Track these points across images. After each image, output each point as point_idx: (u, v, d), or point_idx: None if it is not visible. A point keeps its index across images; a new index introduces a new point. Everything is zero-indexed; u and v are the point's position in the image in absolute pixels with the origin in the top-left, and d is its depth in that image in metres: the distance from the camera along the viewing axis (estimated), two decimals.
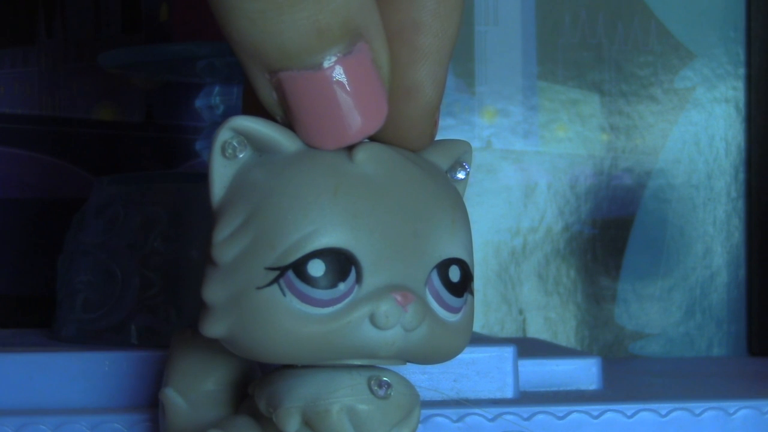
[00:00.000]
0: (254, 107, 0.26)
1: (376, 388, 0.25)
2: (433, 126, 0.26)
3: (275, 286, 0.24)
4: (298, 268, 0.24)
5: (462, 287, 0.25)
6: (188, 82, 0.47)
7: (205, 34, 0.41)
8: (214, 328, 0.25)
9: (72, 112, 0.53)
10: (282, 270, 0.24)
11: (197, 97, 0.42)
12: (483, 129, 0.55)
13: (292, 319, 0.24)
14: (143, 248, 0.38)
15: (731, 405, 0.36)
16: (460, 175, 0.27)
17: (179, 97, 0.53)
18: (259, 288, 0.24)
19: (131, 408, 0.34)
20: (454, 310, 0.25)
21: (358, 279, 0.24)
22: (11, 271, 0.52)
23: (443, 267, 0.25)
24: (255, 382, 0.27)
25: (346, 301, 0.24)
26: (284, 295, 0.24)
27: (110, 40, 0.53)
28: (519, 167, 0.55)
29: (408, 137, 0.26)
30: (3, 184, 0.52)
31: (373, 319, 0.24)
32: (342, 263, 0.24)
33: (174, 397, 0.29)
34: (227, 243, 0.24)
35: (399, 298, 0.24)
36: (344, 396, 0.25)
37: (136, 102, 0.53)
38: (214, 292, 0.25)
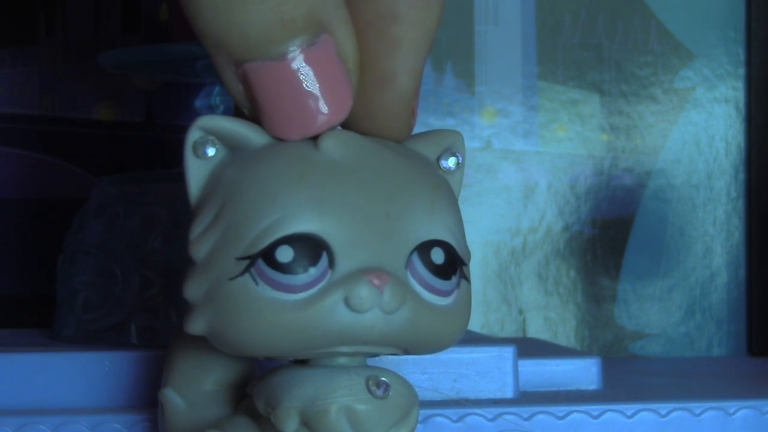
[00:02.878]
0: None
1: (374, 388, 0.25)
2: (410, 116, 0.26)
3: (247, 276, 0.24)
4: (267, 255, 0.24)
5: (449, 270, 0.25)
6: (188, 82, 0.47)
7: None
8: (195, 324, 0.25)
9: (72, 112, 0.53)
10: (252, 258, 0.24)
11: (197, 97, 0.42)
12: (483, 129, 0.54)
13: (266, 307, 0.24)
14: (143, 248, 0.38)
15: (731, 405, 0.36)
16: (451, 164, 0.27)
17: (179, 97, 0.53)
18: (231, 279, 0.24)
19: (131, 408, 0.34)
20: (442, 293, 0.25)
21: (331, 263, 0.24)
22: (11, 271, 0.52)
23: (424, 249, 0.25)
24: (253, 381, 0.27)
25: (319, 285, 0.24)
26: (257, 284, 0.24)
27: (110, 40, 0.53)
28: (519, 167, 0.55)
29: (384, 127, 0.26)
30: (3, 184, 0.52)
31: (348, 302, 0.24)
32: (312, 248, 0.24)
33: (173, 398, 0.29)
34: (201, 239, 0.25)
35: (374, 280, 0.24)
36: (342, 396, 0.25)
37: (136, 102, 0.53)
38: (192, 289, 0.25)
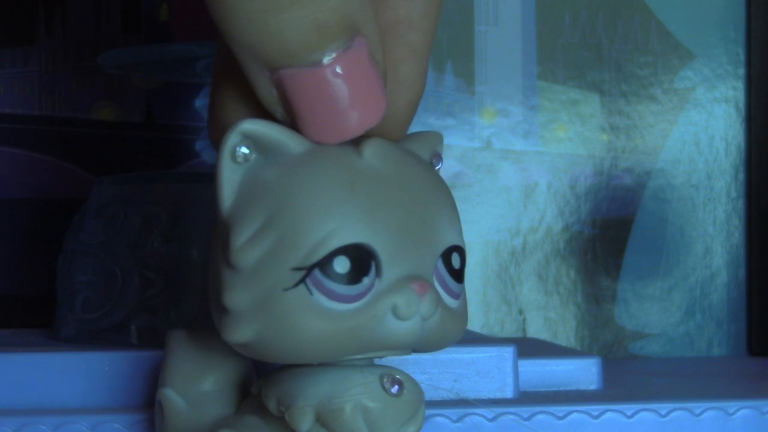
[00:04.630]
0: (223, 106, 0.26)
1: (388, 385, 0.25)
2: (413, 118, 0.27)
3: (302, 286, 0.24)
4: (324, 265, 0.24)
5: (462, 273, 0.26)
6: (188, 82, 0.47)
7: (205, 34, 0.41)
8: (240, 333, 0.25)
9: (72, 112, 0.53)
10: (308, 269, 0.24)
11: (197, 97, 0.42)
12: (483, 129, 0.54)
13: (320, 318, 0.24)
14: (143, 248, 0.38)
15: (731, 405, 0.36)
16: (438, 166, 0.28)
17: (179, 97, 0.53)
18: (286, 289, 0.24)
19: (131, 408, 0.34)
20: (456, 296, 0.26)
21: (378, 272, 0.24)
22: (11, 271, 0.52)
23: (447, 254, 0.25)
24: (259, 381, 0.27)
25: (370, 294, 0.24)
26: (311, 294, 0.24)
27: (110, 40, 0.53)
28: (519, 167, 0.55)
29: (390, 128, 0.26)
30: (3, 184, 0.52)
31: (395, 311, 0.24)
32: (363, 258, 0.24)
33: (174, 397, 0.29)
34: (248, 247, 0.24)
35: (417, 288, 0.24)
36: (358, 394, 0.25)
37: (136, 102, 0.53)
38: (237, 297, 0.25)
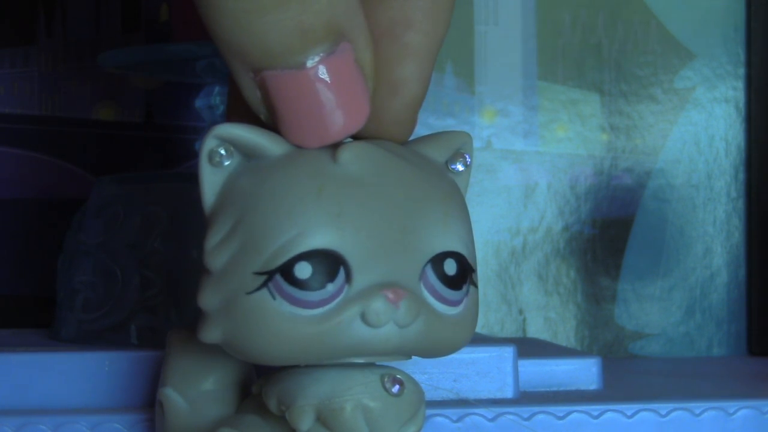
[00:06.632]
0: (237, 107, 0.26)
1: (389, 385, 0.25)
2: (414, 121, 0.27)
3: (264, 290, 0.24)
4: (285, 271, 0.24)
5: (460, 280, 0.26)
6: (188, 82, 0.47)
7: (205, 34, 0.41)
8: (210, 334, 0.25)
9: (72, 112, 0.53)
10: (269, 274, 0.24)
11: (197, 97, 0.42)
12: (483, 129, 0.54)
13: (283, 322, 0.24)
14: (143, 248, 0.38)
15: (731, 405, 0.36)
16: (459, 167, 0.27)
17: (179, 97, 0.53)
18: (248, 293, 0.24)
19: (131, 408, 0.34)
20: (453, 303, 0.26)
21: (348, 279, 0.24)
22: (11, 271, 0.52)
23: (437, 261, 0.25)
24: (260, 380, 0.27)
25: (336, 301, 0.24)
26: (274, 298, 0.24)
27: (110, 40, 0.53)
28: (519, 167, 0.55)
29: (389, 131, 0.26)
30: (3, 184, 0.52)
31: (364, 318, 0.24)
32: (330, 264, 0.24)
33: (174, 397, 0.29)
34: (217, 250, 0.25)
35: (390, 295, 0.24)
36: (358, 393, 0.25)
37: (136, 102, 0.53)
38: (207, 298, 0.25)
